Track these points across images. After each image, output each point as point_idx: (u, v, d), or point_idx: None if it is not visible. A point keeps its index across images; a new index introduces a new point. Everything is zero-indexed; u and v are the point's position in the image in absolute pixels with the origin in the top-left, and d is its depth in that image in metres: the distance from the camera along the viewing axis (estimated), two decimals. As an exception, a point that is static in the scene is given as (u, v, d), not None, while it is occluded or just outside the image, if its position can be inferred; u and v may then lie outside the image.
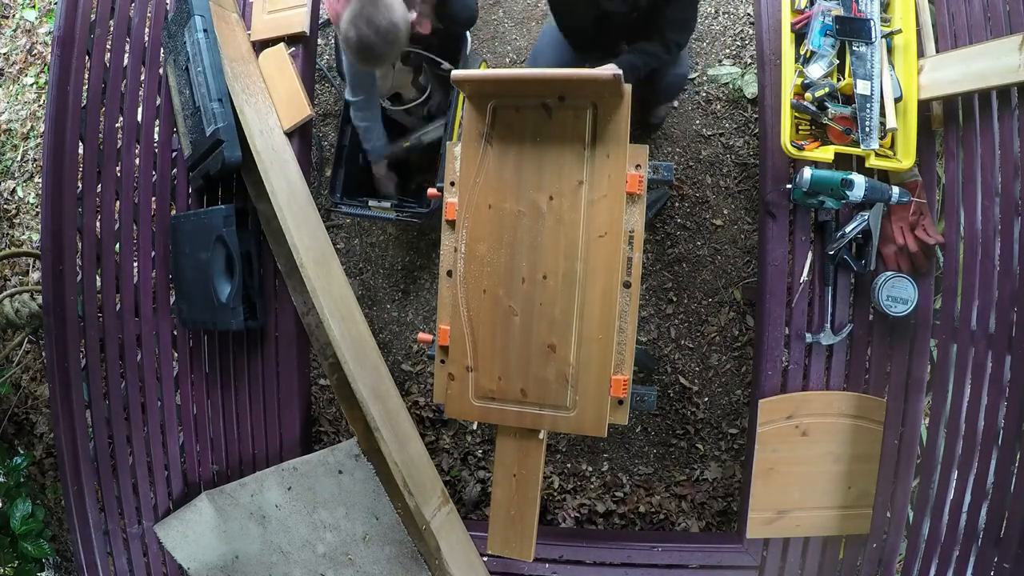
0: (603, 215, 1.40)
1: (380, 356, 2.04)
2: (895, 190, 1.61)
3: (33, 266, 2.75)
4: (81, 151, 1.97)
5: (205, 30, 1.82)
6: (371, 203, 2.10)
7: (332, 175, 2.12)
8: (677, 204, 2.25)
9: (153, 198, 2.03)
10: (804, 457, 1.77)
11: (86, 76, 1.96)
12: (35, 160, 2.79)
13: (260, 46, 2.02)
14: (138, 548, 2.07)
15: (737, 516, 2.14)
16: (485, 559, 1.91)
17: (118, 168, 1.98)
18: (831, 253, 1.70)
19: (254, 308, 1.94)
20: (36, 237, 2.73)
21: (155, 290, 2.05)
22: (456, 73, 1.39)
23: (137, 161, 2.03)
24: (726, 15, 2.29)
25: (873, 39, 1.61)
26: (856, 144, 1.62)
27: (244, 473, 2.02)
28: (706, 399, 2.26)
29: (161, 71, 2.02)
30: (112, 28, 1.98)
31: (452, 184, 1.52)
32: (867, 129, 1.59)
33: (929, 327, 1.69)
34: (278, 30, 1.99)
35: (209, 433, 2.06)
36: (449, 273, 1.54)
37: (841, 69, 1.64)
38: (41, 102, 2.80)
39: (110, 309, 2.00)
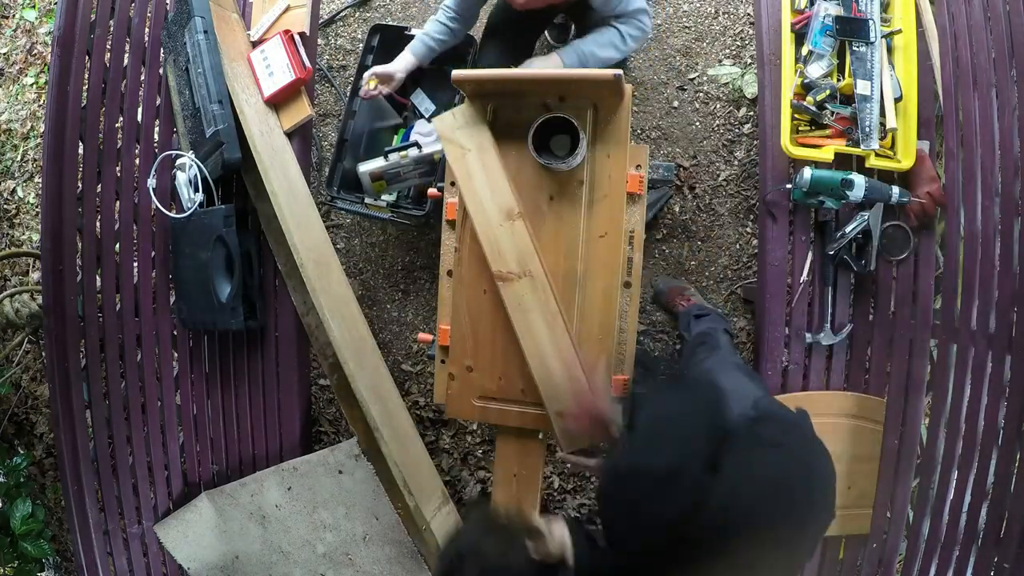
0: (603, 215, 1.40)
1: (380, 356, 2.04)
2: (895, 190, 1.61)
3: (33, 266, 2.75)
4: (81, 151, 1.96)
5: (205, 31, 1.82)
6: (367, 201, 2.10)
7: (331, 169, 2.12)
8: (677, 204, 2.25)
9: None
10: (804, 457, 1.77)
11: (86, 76, 1.96)
12: (35, 160, 2.79)
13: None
14: (138, 548, 2.07)
15: (737, 516, 2.13)
16: (485, 559, 1.91)
17: (118, 168, 1.99)
18: (831, 253, 1.70)
19: (254, 308, 1.94)
20: (36, 237, 2.72)
21: (155, 290, 2.05)
22: (456, 73, 1.38)
23: (137, 161, 2.03)
24: (726, 15, 2.28)
25: (873, 39, 1.61)
26: (856, 144, 1.62)
27: (244, 473, 2.02)
28: (706, 399, 2.25)
29: (161, 71, 2.02)
30: (112, 28, 1.98)
31: (452, 184, 1.52)
32: (867, 129, 1.59)
33: (929, 327, 1.69)
34: (278, 30, 1.99)
35: (209, 433, 2.06)
36: (449, 273, 1.54)
37: (841, 69, 1.64)
38: (41, 102, 2.80)
39: (110, 309, 2.00)
